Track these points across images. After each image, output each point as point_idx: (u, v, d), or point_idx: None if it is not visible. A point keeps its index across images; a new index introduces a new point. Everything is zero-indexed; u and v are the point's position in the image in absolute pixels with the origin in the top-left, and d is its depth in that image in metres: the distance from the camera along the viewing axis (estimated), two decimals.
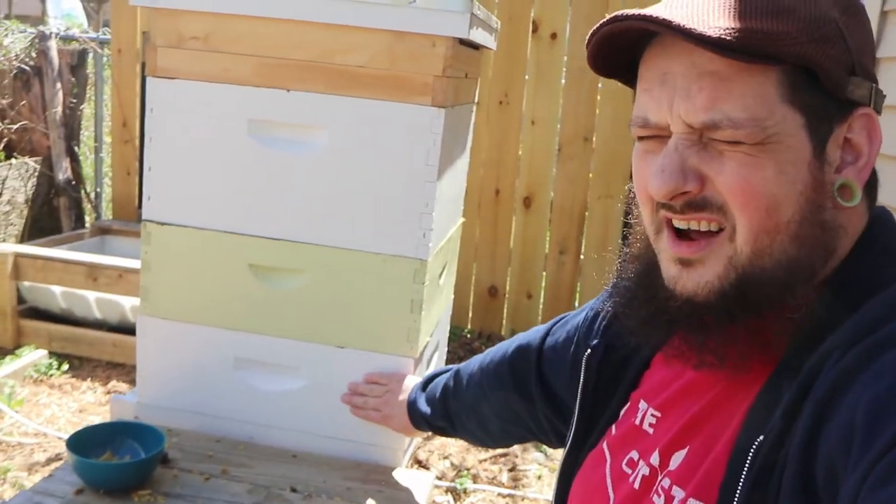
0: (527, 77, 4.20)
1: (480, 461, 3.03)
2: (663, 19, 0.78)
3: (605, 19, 0.84)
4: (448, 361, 3.86)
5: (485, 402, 1.45)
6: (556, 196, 4.26)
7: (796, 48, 0.78)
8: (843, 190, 0.82)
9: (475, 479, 2.92)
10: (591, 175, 4.20)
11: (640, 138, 0.88)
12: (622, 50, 0.89)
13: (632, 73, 0.90)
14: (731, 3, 0.79)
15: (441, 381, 1.56)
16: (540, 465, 3.05)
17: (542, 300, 4.37)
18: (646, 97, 0.86)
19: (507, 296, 4.39)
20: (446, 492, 2.82)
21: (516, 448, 3.13)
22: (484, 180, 4.28)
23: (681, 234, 0.86)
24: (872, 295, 0.78)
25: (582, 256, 4.28)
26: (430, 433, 1.66)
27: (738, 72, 0.79)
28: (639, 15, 0.80)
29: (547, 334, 1.33)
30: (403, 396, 1.62)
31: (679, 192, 0.82)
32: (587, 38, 0.88)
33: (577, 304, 4.33)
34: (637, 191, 0.91)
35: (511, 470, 3.00)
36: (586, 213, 4.23)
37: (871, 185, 0.87)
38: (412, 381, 1.65)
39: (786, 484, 0.74)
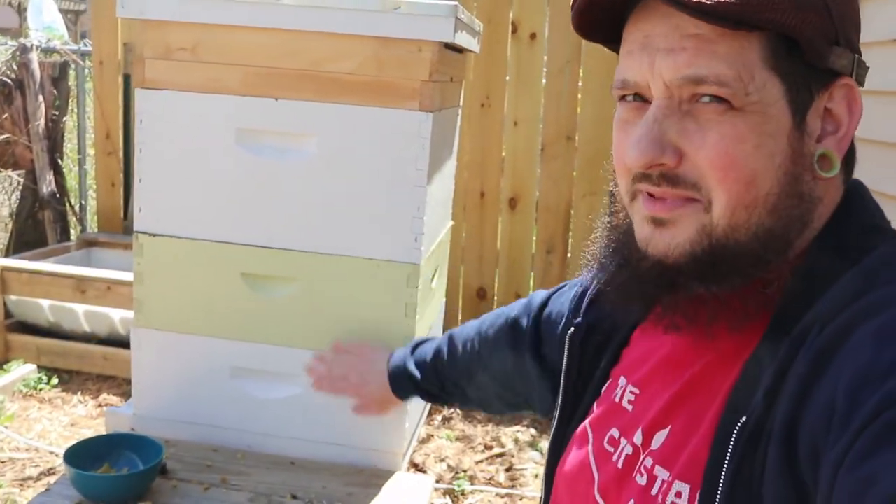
0: (507, 78, 4.22)
1: (477, 462, 3.04)
2: None
3: None
4: None
5: (481, 367, 1.41)
6: (542, 196, 4.27)
7: (778, 15, 0.77)
8: (822, 160, 0.83)
9: (472, 480, 2.93)
10: (575, 174, 4.21)
11: (621, 100, 0.88)
12: (606, 13, 0.88)
13: (615, 37, 0.90)
14: None
15: (431, 345, 1.51)
16: (536, 464, 3.06)
17: None
18: (627, 59, 0.85)
19: (495, 297, 4.40)
20: (444, 494, 2.83)
21: (512, 447, 3.14)
22: (468, 182, 4.29)
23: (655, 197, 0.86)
24: (846, 268, 0.78)
25: (569, 255, 4.30)
26: (405, 421, 1.61)
27: (722, 35, 0.78)
28: None
29: (545, 304, 1.32)
30: (378, 366, 1.56)
31: (655, 163, 0.82)
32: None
33: None
34: (616, 160, 0.91)
35: (508, 470, 3.01)
36: (572, 212, 4.25)
37: (850, 158, 0.88)
38: (385, 353, 1.58)
39: (770, 463, 0.74)
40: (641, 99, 0.86)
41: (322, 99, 1.60)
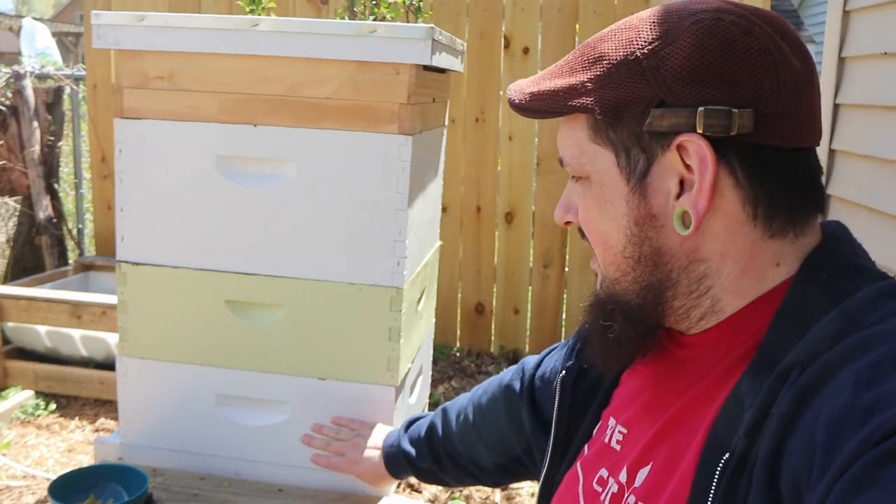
0: (501, 93, 4.21)
1: None
2: (507, 89, 0.98)
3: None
4: (438, 381, 3.86)
5: (477, 437, 1.42)
6: (538, 210, 4.27)
7: (574, 99, 0.87)
8: (685, 217, 0.84)
9: (468, 500, 2.91)
10: None
11: None
12: None
13: None
14: (562, 64, 0.92)
15: (425, 421, 1.52)
16: (533, 483, 3.04)
17: (529, 315, 4.37)
18: None
19: (493, 312, 4.39)
20: None
21: None
22: (464, 198, 4.29)
23: None
24: (830, 308, 0.78)
25: (567, 269, 4.28)
26: (399, 481, 1.61)
27: (565, 121, 0.93)
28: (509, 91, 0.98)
29: (538, 364, 1.34)
30: (374, 443, 1.58)
31: (564, 221, 0.98)
32: None
33: (563, 316, 4.33)
34: None
35: (504, 489, 2.99)
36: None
37: (815, 199, 0.86)
38: (383, 430, 1.61)
39: (753, 502, 0.74)
40: None
41: (300, 124, 1.60)
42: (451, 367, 4.14)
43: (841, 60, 2.51)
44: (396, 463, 1.54)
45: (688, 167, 0.83)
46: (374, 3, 2.00)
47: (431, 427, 1.50)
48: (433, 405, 2.82)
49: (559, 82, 0.90)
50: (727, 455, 0.78)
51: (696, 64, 0.81)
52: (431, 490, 2.94)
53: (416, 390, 1.98)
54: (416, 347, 1.88)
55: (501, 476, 1.46)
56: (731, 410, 0.82)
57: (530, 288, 4.35)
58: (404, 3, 2.03)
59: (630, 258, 0.89)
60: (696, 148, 0.82)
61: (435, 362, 4.02)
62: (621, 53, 0.85)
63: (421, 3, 2.07)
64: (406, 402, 1.83)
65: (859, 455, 0.63)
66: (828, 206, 2.46)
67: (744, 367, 0.83)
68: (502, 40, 4.18)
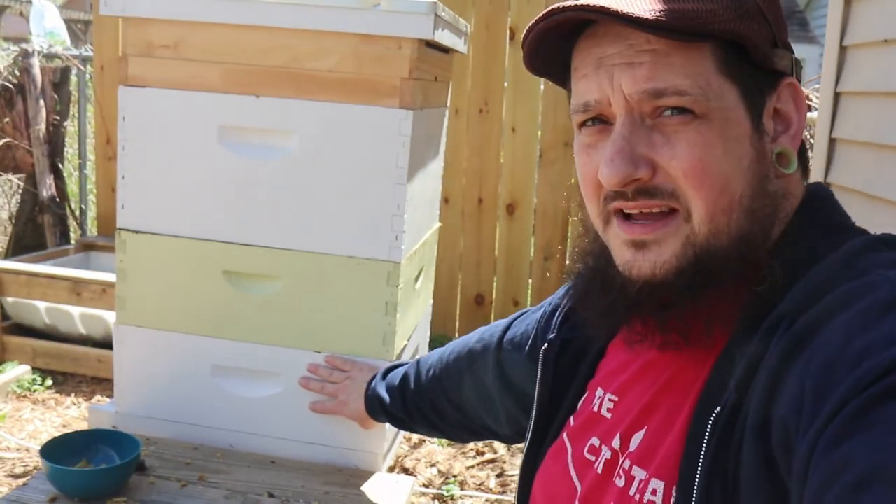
0: (506, 84, 4.22)
1: (468, 468, 3.03)
2: (601, 7, 0.80)
3: (539, 15, 0.86)
4: None
5: (443, 394, 1.45)
6: (539, 202, 4.27)
7: (725, 24, 0.81)
8: (780, 158, 0.86)
9: (462, 485, 2.91)
10: (573, 180, 4.20)
11: (582, 126, 0.90)
12: (553, 47, 0.91)
13: (562, 72, 0.93)
14: None
15: (401, 370, 1.56)
16: None
17: (528, 306, 4.36)
18: (584, 82, 0.87)
19: (493, 303, 4.39)
20: (433, 499, 2.82)
21: (504, 453, 3.13)
22: (466, 188, 4.29)
23: (630, 218, 0.86)
24: (813, 264, 0.80)
25: (567, 262, 4.28)
26: (386, 425, 1.65)
27: (675, 48, 0.81)
28: (575, 6, 0.82)
29: (507, 328, 1.35)
30: (361, 387, 1.61)
31: (631, 180, 0.83)
32: (524, 36, 0.90)
33: None
34: (583, 184, 0.92)
35: (499, 475, 3.00)
36: (570, 219, 4.24)
37: (802, 153, 0.91)
38: (369, 372, 1.64)
39: (745, 453, 0.75)
40: (602, 122, 0.87)
41: (303, 96, 1.60)
42: None
43: (842, 49, 2.50)
44: (373, 407, 1.57)
45: (776, 110, 0.87)
46: None
47: (405, 378, 1.53)
48: None
49: (690, 5, 0.80)
50: (718, 409, 0.79)
51: (782, 15, 0.88)
52: (425, 475, 2.95)
53: None
54: (412, 325, 1.89)
55: (466, 434, 1.50)
56: (723, 366, 0.83)
57: (530, 280, 4.35)
58: None
59: (747, 203, 0.83)
60: (795, 89, 0.88)
61: None
62: None
63: None
64: None
65: (850, 399, 0.65)
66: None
67: (733, 325, 0.84)
68: (508, 32, 4.18)
